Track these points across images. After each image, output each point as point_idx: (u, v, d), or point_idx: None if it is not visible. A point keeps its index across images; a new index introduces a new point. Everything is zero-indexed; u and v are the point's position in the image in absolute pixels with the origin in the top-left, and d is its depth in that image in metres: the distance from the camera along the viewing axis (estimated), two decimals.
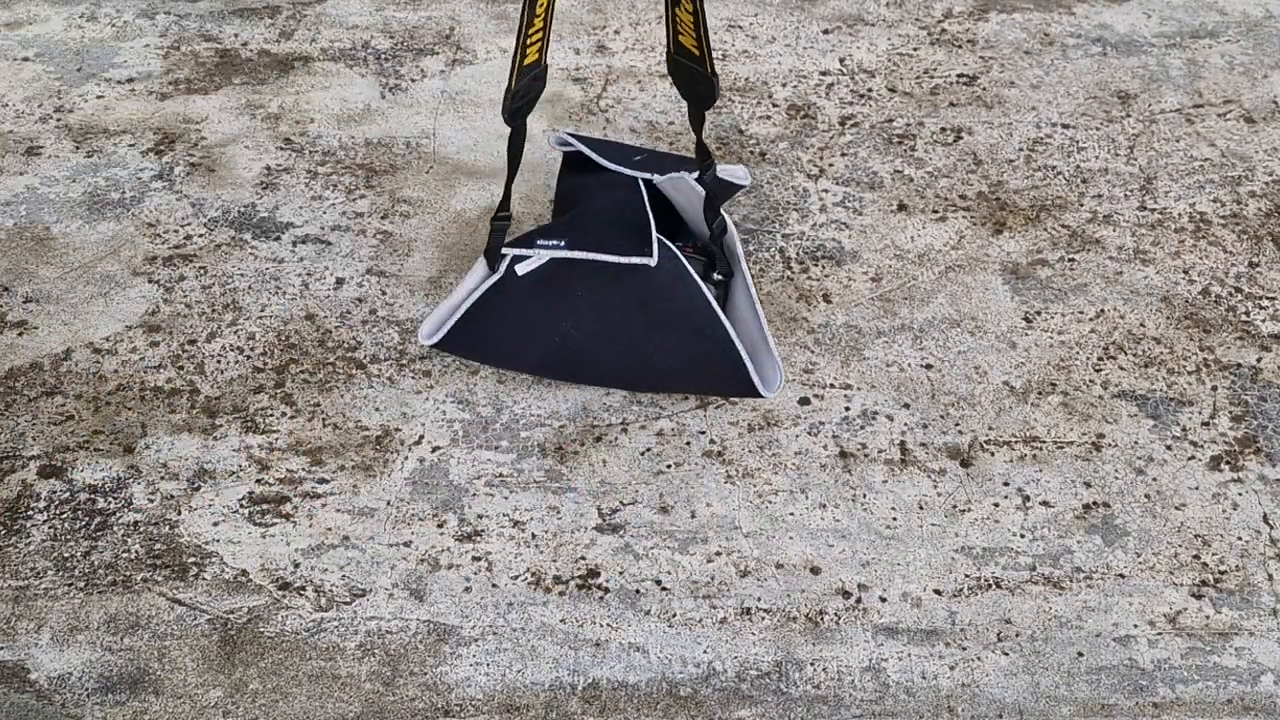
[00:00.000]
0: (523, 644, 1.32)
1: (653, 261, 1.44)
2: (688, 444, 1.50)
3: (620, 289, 1.45)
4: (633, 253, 1.45)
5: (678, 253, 1.46)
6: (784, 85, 1.98)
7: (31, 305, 1.67)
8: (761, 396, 1.49)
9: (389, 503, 1.45)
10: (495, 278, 1.47)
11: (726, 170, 1.64)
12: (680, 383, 1.52)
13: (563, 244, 1.46)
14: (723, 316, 1.45)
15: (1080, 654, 1.31)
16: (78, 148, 1.91)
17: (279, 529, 1.42)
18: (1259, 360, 1.58)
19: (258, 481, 1.47)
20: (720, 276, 1.51)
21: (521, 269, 1.46)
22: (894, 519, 1.43)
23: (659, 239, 1.46)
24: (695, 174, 1.52)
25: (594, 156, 1.59)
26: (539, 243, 1.46)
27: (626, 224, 1.48)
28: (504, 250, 1.47)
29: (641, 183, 1.55)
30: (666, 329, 1.46)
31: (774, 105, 1.95)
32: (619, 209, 1.51)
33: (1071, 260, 1.71)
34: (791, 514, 1.43)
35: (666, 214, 1.58)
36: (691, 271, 1.46)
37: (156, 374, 1.58)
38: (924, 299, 1.66)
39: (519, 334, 1.49)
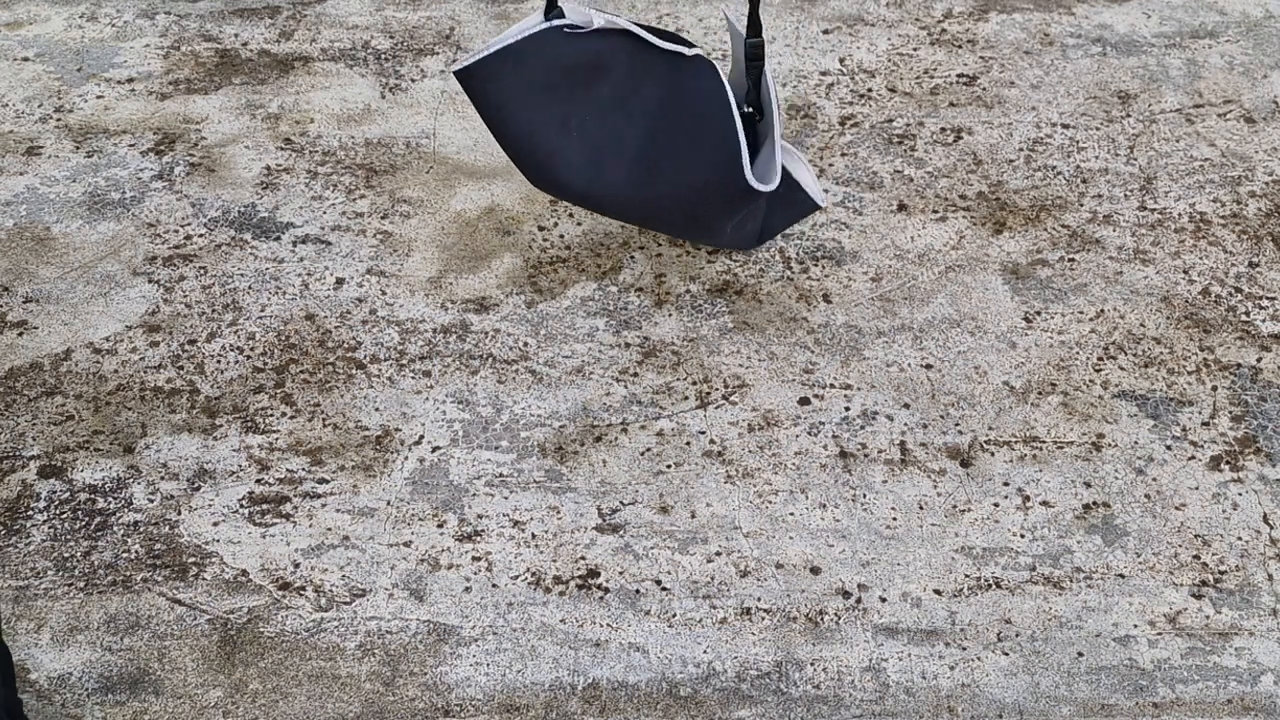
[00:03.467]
0: (523, 644, 1.32)
1: (690, 52, 1.47)
2: (688, 444, 1.50)
3: (651, 77, 1.48)
4: (675, 43, 1.48)
5: (714, 64, 1.48)
6: (784, 85, 1.98)
7: (31, 305, 1.67)
8: (754, 190, 1.48)
9: (389, 503, 1.45)
10: (543, 26, 1.49)
11: (809, 180, 1.63)
12: (671, 194, 1.52)
13: (614, 17, 1.49)
14: (738, 118, 1.47)
15: (1080, 654, 1.31)
16: (78, 148, 1.91)
17: (279, 529, 1.42)
18: (1259, 360, 1.58)
19: (258, 481, 1.47)
20: (749, 109, 1.52)
21: (568, 25, 1.49)
22: (894, 519, 1.43)
23: (699, 53, 1.49)
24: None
25: (632, 29, 1.56)
26: (594, 10, 1.50)
27: (668, 35, 1.51)
28: (560, 3, 1.50)
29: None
30: (680, 126, 1.48)
31: None
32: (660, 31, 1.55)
33: (1071, 260, 1.71)
34: (791, 514, 1.43)
35: None
36: (723, 80, 1.47)
37: (156, 374, 1.58)
38: (924, 299, 1.66)
39: (538, 95, 1.50)
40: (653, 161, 1.49)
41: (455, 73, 1.53)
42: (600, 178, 1.51)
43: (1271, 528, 1.41)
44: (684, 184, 1.50)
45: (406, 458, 1.49)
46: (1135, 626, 1.33)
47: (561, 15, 1.50)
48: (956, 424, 1.52)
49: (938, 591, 1.36)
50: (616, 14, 1.51)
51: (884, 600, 1.35)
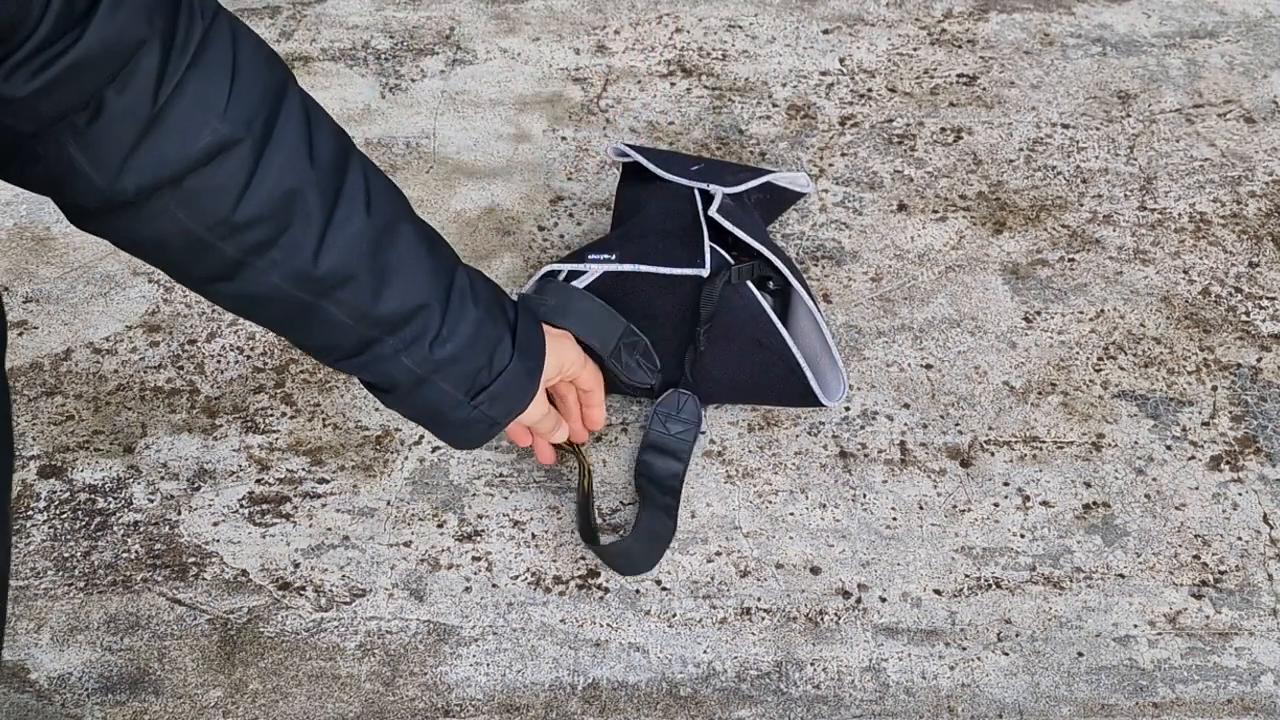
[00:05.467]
0: (523, 644, 1.32)
1: (704, 272, 1.43)
2: None
3: (674, 300, 1.44)
4: (684, 264, 1.43)
5: (732, 262, 1.45)
6: (784, 85, 1.98)
7: (31, 305, 1.67)
8: (823, 406, 1.49)
9: (389, 503, 1.45)
10: (539, 281, 1.47)
11: (787, 178, 1.63)
12: (741, 394, 1.51)
13: (613, 258, 1.45)
14: (780, 325, 1.45)
15: (1080, 654, 1.31)
16: None
17: (279, 529, 1.42)
18: (1259, 360, 1.58)
19: (258, 481, 1.47)
20: (776, 286, 1.50)
21: (575, 286, 1.46)
22: (894, 519, 1.43)
23: (712, 247, 1.45)
24: (755, 181, 1.56)
25: (650, 166, 1.56)
26: (590, 258, 1.46)
27: (679, 235, 1.47)
28: (556, 267, 1.47)
29: (697, 193, 1.52)
30: (723, 340, 1.45)
31: (774, 105, 1.95)
32: (672, 220, 1.50)
33: (1071, 260, 1.71)
34: (791, 514, 1.43)
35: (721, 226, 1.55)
36: (747, 282, 1.44)
37: (156, 374, 1.58)
38: (924, 299, 1.66)
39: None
40: (701, 364, 1.47)
41: None
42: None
43: (1271, 528, 1.41)
44: (738, 378, 1.49)
45: (406, 458, 1.49)
46: (1135, 626, 1.33)
47: (554, 279, 1.46)
48: (956, 424, 1.52)
49: (938, 591, 1.36)
50: (610, 257, 1.45)
51: (884, 600, 1.35)
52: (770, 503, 1.44)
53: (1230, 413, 1.53)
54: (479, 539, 1.41)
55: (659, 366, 1.43)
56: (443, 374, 1.05)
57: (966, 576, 1.37)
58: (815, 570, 1.38)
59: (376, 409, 1.54)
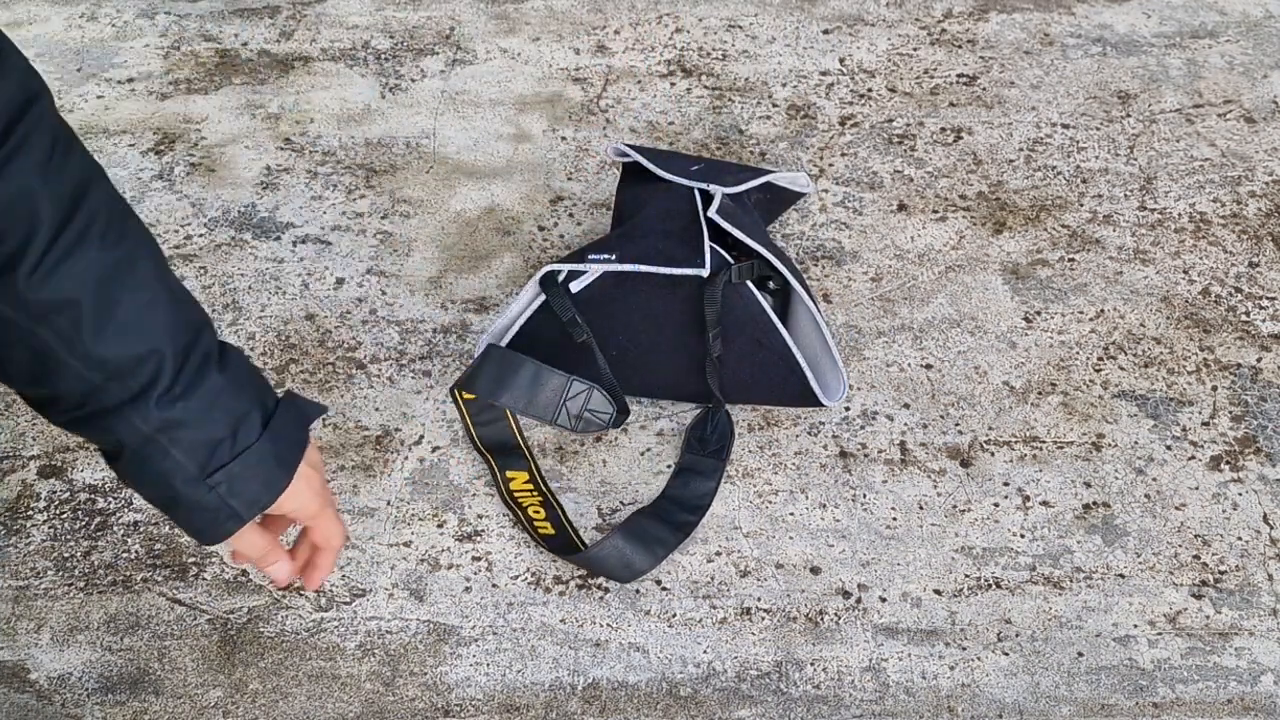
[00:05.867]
0: (523, 644, 1.32)
1: (704, 272, 1.43)
2: None
3: (674, 300, 1.44)
4: (684, 264, 1.43)
5: (732, 262, 1.45)
6: (784, 85, 1.98)
7: None
8: (823, 406, 1.49)
9: (389, 503, 1.45)
10: (544, 297, 1.47)
11: (787, 178, 1.63)
12: (741, 394, 1.51)
13: (613, 258, 1.45)
14: (780, 325, 1.45)
15: (1080, 654, 1.31)
16: None
17: None
18: (1259, 360, 1.58)
19: None
20: (776, 286, 1.49)
21: (575, 286, 1.45)
22: (894, 519, 1.43)
23: (712, 247, 1.45)
24: (753, 181, 1.56)
25: (650, 167, 1.56)
26: (590, 258, 1.46)
27: (679, 235, 1.46)
28: (556, 267, 1.47)
29: (697, 193, 1.52)
30: (724, 339, 1.45)
31: (774, 105, 1.95)
32: (672, 220, 1.49)
33: (1071, 260, 1.71)
34: (791, 514, 1.43)
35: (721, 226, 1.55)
36: (747, 281, 1.45)
37: None
38: (924, 299, 1.66)
39: (571, 350, 1.47)
40: (699, 367, 1.47)
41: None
42: (650, 383, 1.51)
43: (1271, 528, 1.41)
44: (738, 378, 1.49)
45: (406, 458, 1.49)
46: (1135, 626, 1.33)
47: (554, 279, 1.46)
48: (956, 424, 1.52)
49: (938, 591, 1.36)
50: (611, 257, 1.46)
51: (884, 600, 1.35)
52: (770, 503, 1.44)
53: (1230, 413, 1.53)
54: (479, 539, 1.41)
55: (621, 407, 1.46)
56: (171, 436, 0.92)
57: (966, 576, 1.37)
58: (815, 570, 1.38)
59: (377, 408, 1.54)
